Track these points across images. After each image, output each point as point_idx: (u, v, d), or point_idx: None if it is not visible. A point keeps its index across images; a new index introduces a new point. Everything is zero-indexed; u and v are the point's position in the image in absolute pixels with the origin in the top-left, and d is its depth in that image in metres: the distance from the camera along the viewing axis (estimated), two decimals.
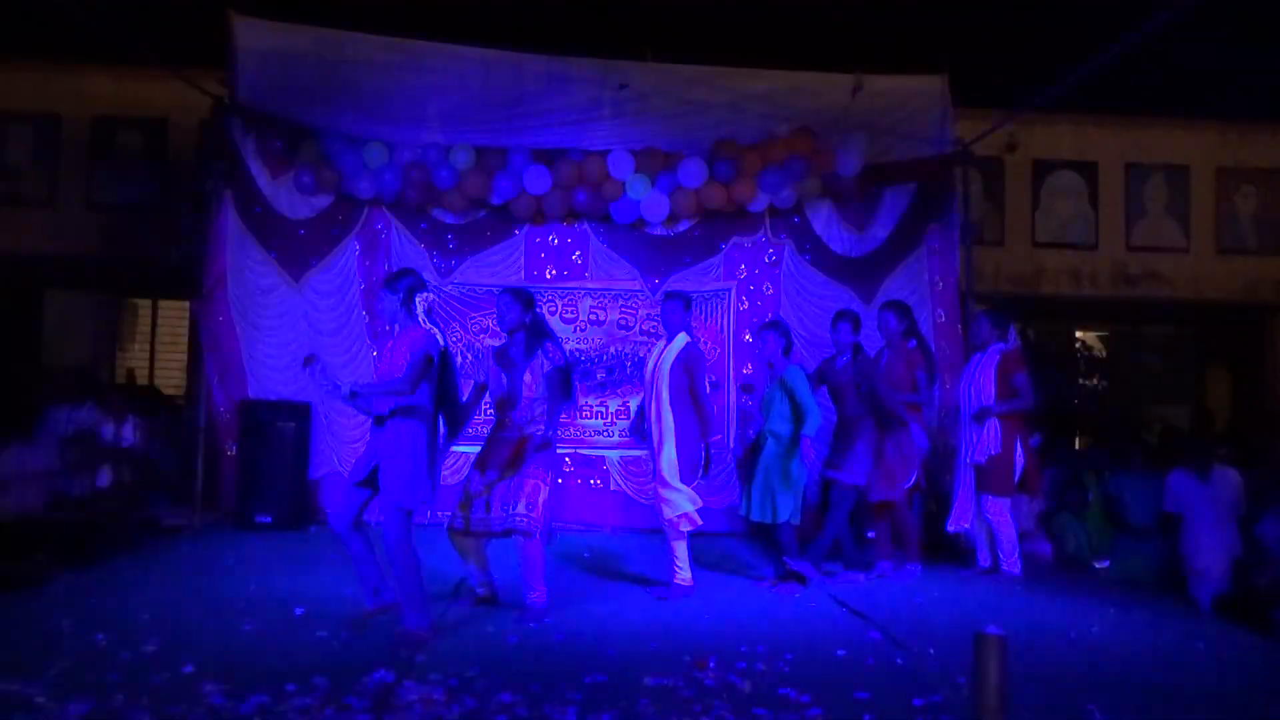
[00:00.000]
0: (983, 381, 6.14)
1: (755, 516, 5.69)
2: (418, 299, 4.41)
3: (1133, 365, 9.36)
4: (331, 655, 4.01)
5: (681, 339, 5.51)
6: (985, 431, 6.07)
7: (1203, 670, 4.18)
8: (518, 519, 4.78)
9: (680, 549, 5.42)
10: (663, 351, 5.53)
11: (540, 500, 4.82)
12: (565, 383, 4.98)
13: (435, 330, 4.40)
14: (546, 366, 4.93)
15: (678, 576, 5.43)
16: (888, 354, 6.35)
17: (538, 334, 4.98)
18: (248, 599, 5.01)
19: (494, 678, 3.71)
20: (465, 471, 5.17)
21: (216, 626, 4.42)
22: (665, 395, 5.38)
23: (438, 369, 4.37)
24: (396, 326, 4.49)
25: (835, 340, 6.21)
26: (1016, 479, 6.08)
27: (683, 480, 5.34)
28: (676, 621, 4.84)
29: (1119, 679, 3.98)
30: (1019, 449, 6.05)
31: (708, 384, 5.57)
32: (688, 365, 5.42)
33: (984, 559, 6.23)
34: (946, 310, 8.07)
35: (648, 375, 5.56)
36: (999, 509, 6.07)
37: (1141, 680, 3.99)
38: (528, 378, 4.92)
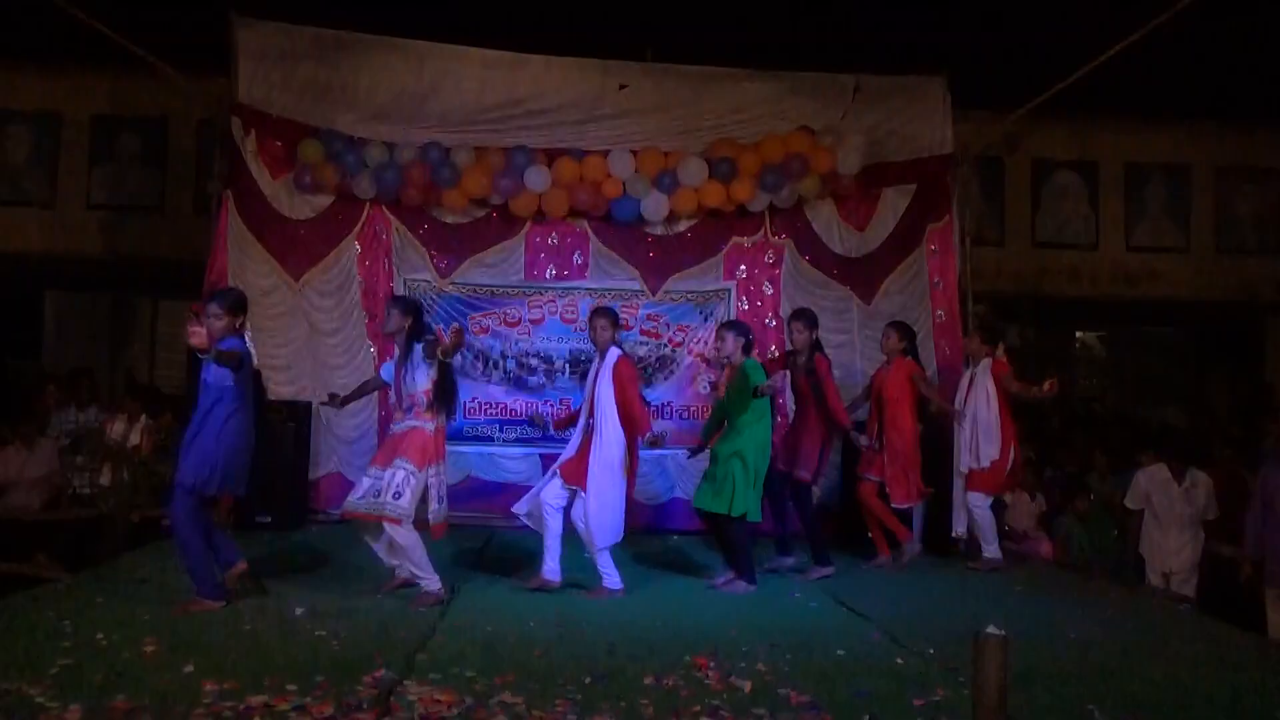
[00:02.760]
0: (979, 389, 6.44)
1: (708, 507, 5.66)
2: (244, 319, 4.96)
3: (1133, 365, 9.35)
4: (331, 655, 4.01)
5: (615, 353, 5.59)
6: (988, 438, 6.34)
7: (1201, 669, 4.17)
8: (385, 506, 4.98)
9: (605, 557, 5.47)
10: (599, 366, 5.60)
11: (406, 488, 5.01)
12: (446, 386, 5.24)
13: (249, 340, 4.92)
14: (426, 366, 5.17)
15: (607, 581, 5.47)
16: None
17: (415, 335, 5.25)
18: (248, 599, 5.01)
19: (494, 678, 3.70)
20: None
21: (216, 626, 4.42)
22: (604, 408, 5.46)
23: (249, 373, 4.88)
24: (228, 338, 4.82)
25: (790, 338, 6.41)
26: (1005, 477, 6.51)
27: (613, 492, 5.41)
28: (676, 621, 4.84)
29: (1119, 679, 3.98)
30: (1012, 451, 6.41)
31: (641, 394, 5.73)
32: (621, 382, 5.49)
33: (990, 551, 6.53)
34: (946, 310, 8.09)
35: (588, 389, 5.64)
36: (983, 503, 6.44)
37: (1141, 679, 3.99)
38: (407, 376, 5.20)
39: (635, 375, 5.70)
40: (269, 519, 7.06)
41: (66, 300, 11.15)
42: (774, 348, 7.94)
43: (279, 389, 7.64)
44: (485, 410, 7.92)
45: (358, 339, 7.88)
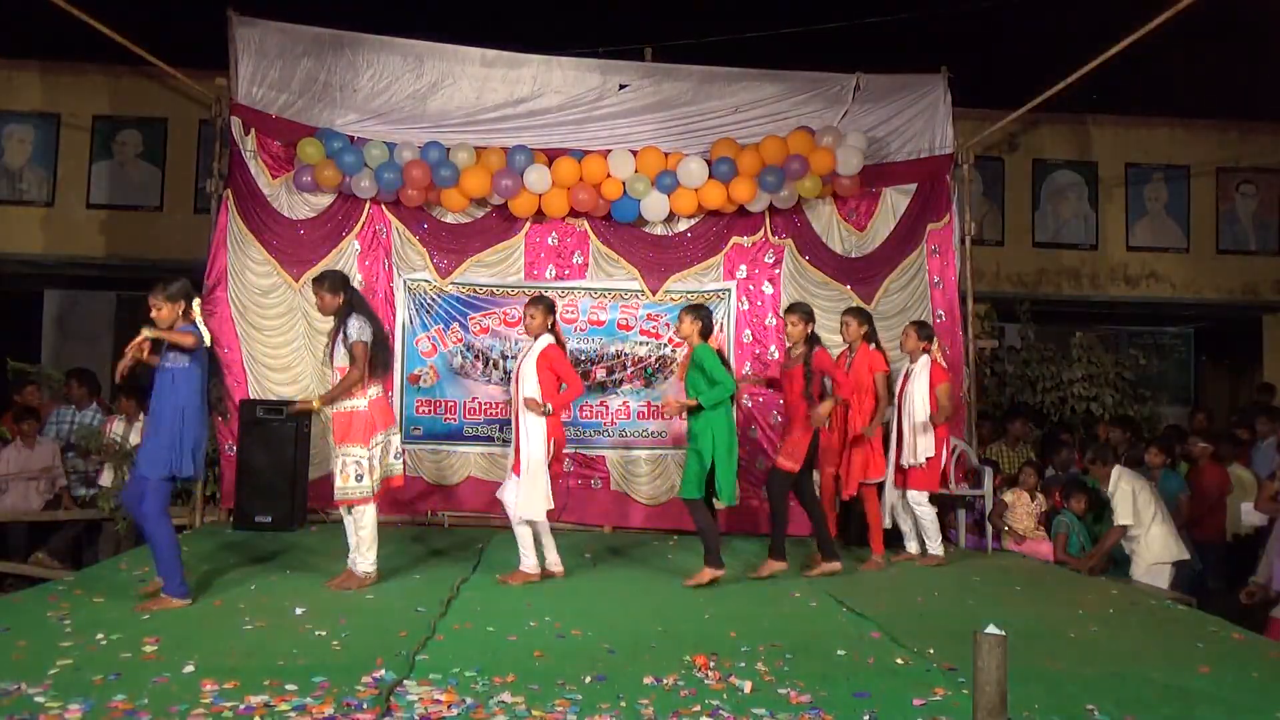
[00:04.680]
0: (916, 386, 6.60)
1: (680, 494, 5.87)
2: (195, 304, 4.92)
3: (1132, 365, 9.34)
4: (331, 655, 4.01)
5: (544, 340, 5.70)
6: (925, 434, 6.51)
7: (1201, 669, 4.17)
8: (349, 492, 5.26)
9: (525, 535, 5.68)
10: (526, 353, 5.76)
11: (364, 469, 5.23)
12: (376, 355, 5.32)
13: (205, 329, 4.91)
14: (351, 342, 5.27)
15: (524, 564, 5.69)
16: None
17: (346, 313, 5.34)
18: (248, 599, 5.01)
19: (494, 678, 3.70)
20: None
21: (216, 626, 4.42)
22: (526, 394, 5.61)
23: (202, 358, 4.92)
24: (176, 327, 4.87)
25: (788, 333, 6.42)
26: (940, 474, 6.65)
27: (536, 470, 5.58)
28: (676, 621, 4.84)
29: (1119, 679, 3.99)
30: (945, 450, 6.60)
31: (566, 379, 5.79)
32: (549, 364, 5.63)
33: (913, 547, 6.75)
34: (946, 310, 8.10)
35: (514, 375, 5.79)
36: (924, 501, 6.58)
37: (1141, 679, 3.99)
38: (337, 354, 5.34)
39: (562, 355, 5.77)
40: (269, 519, 7.06)
41: (66, 300, 11.15)
42: (774, 348, 7.97)
43: (279, 389, 7.65)
44: (485, 410, 7.92)
45: None
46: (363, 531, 5.34)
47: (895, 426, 6.72)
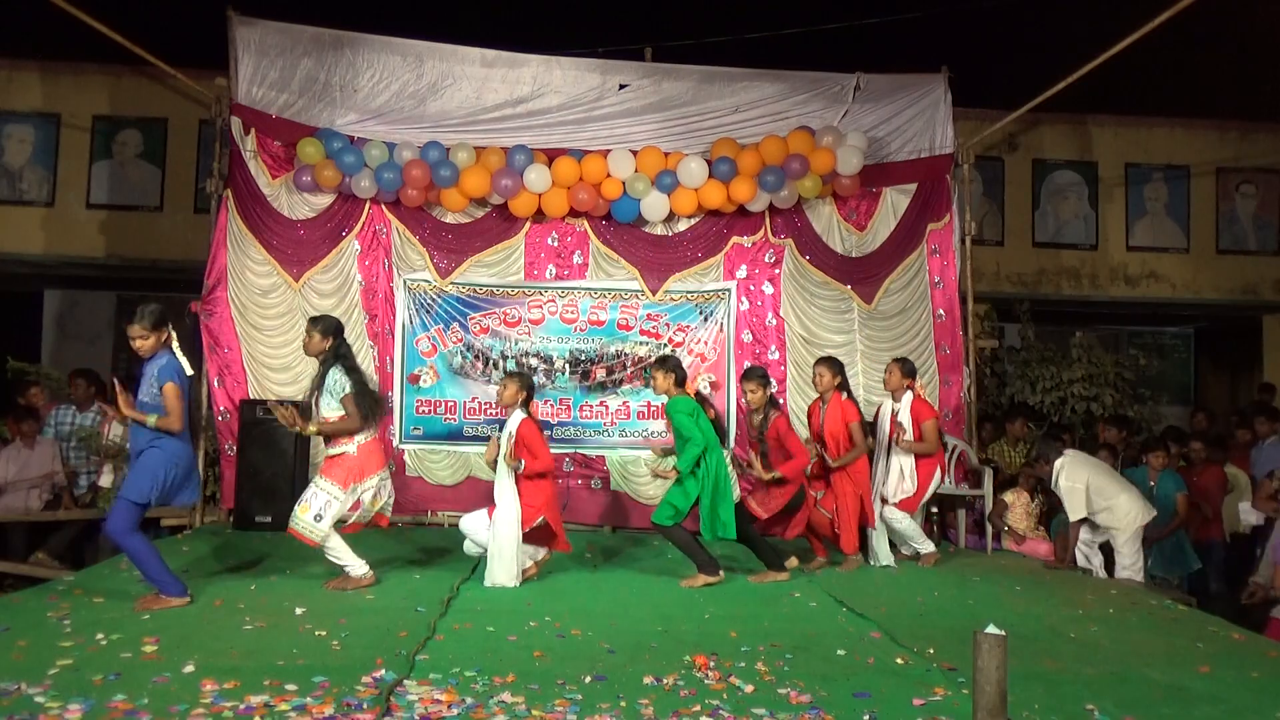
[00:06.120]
0: (902, 426, 6.58)
1: (653, 519, 5.97)
2: (169, 330, 4.86)
3: (1132, 365, 9.33)
4: (331, 655, 4.01)
5: (518, 416, 5.74)
6: (908, 474, 6.52)
7: (1201, 669, 4.17)
8: (303, 527, 5.21)
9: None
10: (506, 423, 5.82)
11: (327, 511, 5.21)
12: (361, 403, 5.31)
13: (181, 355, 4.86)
14: (338, 390, 5.28)
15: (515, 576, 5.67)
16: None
17: (330, 361, 5.34)
18: (248, 599, 5.01)
19: (494, 678, 3.70)
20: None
21: (216, 626, 4.42)
22: (505, 468, 5.69)
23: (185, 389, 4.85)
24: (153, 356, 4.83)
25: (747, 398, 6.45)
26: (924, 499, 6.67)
27: (506, 540, 5.63)
28: (676, 621, 4.84)
29: (1119, 679, 3.99)
30: (937, 476, 6.59)
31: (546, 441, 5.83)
32: (523, 440, 5.67)
33: (907, 550, 6.78)
34: (946, 310, 8.10)
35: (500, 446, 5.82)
36: (896, 516, 6.55)
37: (1141, 679, 3.99)
38: (321, 401, 5.34)
39: (535, 431, 5.76)
40: (269, 519, 7.06)
41: (66, 300, 11.15)
42: (774, 348, 7.99)
43: (279, 389, 7.64)
44: (485, 410, 7.93)
45: (358, 339, 7.87)
46: (332, 555, 5.33)
47: (880, 462, 6.66)
